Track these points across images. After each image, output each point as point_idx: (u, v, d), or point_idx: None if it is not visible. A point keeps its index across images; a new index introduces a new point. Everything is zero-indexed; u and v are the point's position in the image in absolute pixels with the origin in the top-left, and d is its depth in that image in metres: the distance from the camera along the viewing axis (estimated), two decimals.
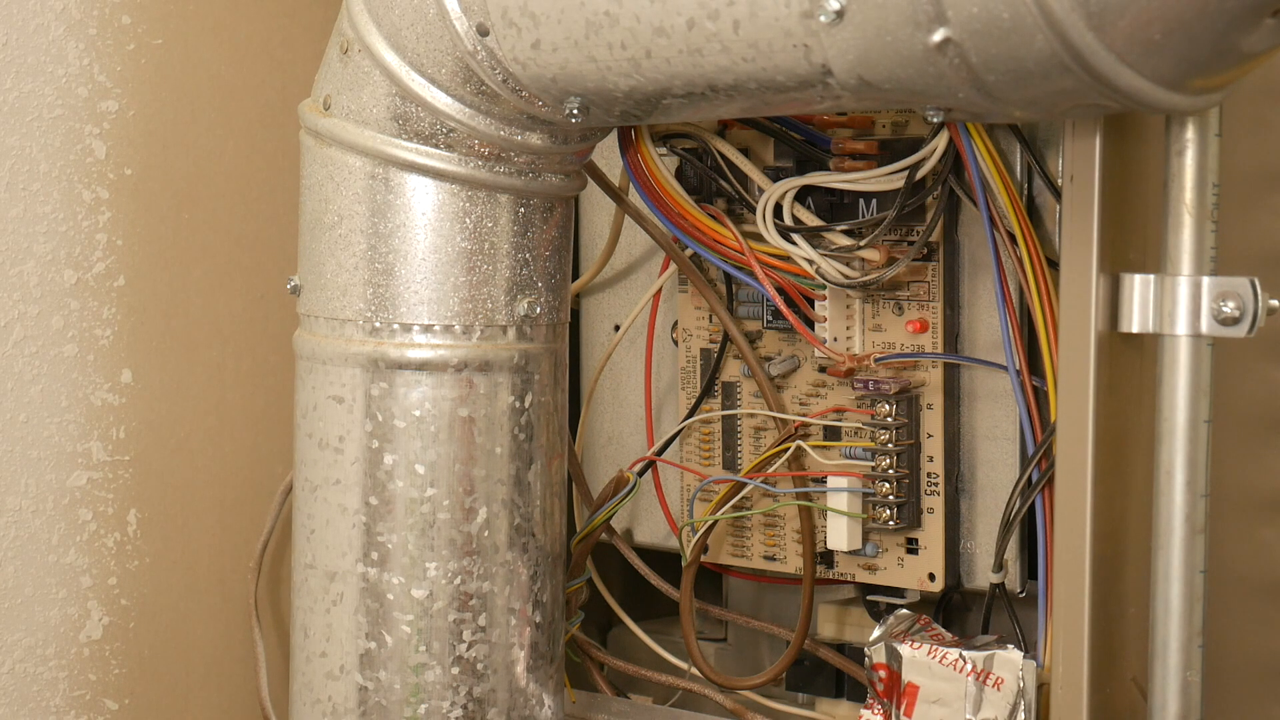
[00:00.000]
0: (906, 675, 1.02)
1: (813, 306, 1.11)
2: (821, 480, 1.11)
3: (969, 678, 1.01)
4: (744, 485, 1.14)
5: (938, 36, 0.81)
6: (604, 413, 1.27)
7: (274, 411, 1.25)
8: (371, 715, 1.03)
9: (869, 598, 1.14)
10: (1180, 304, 0.88)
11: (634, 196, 1.13)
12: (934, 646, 1.02)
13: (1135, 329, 0.91)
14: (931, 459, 1.09)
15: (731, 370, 1.17)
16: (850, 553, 1.12)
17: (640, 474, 1.17)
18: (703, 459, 1.18)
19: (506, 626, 1.03)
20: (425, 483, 1.01)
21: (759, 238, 1.09)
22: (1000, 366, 1.06)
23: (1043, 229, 1.04)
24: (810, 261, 1.07)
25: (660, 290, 1.20)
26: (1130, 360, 0.94)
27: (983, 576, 1.08)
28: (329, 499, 1.03)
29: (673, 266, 1.17)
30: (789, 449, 1.12)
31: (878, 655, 1.04)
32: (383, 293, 1.01)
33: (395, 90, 0.99)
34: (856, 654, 1.14)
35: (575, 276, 1.25)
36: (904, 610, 1.08)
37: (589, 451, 1.28)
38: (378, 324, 1.01)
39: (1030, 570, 1.07)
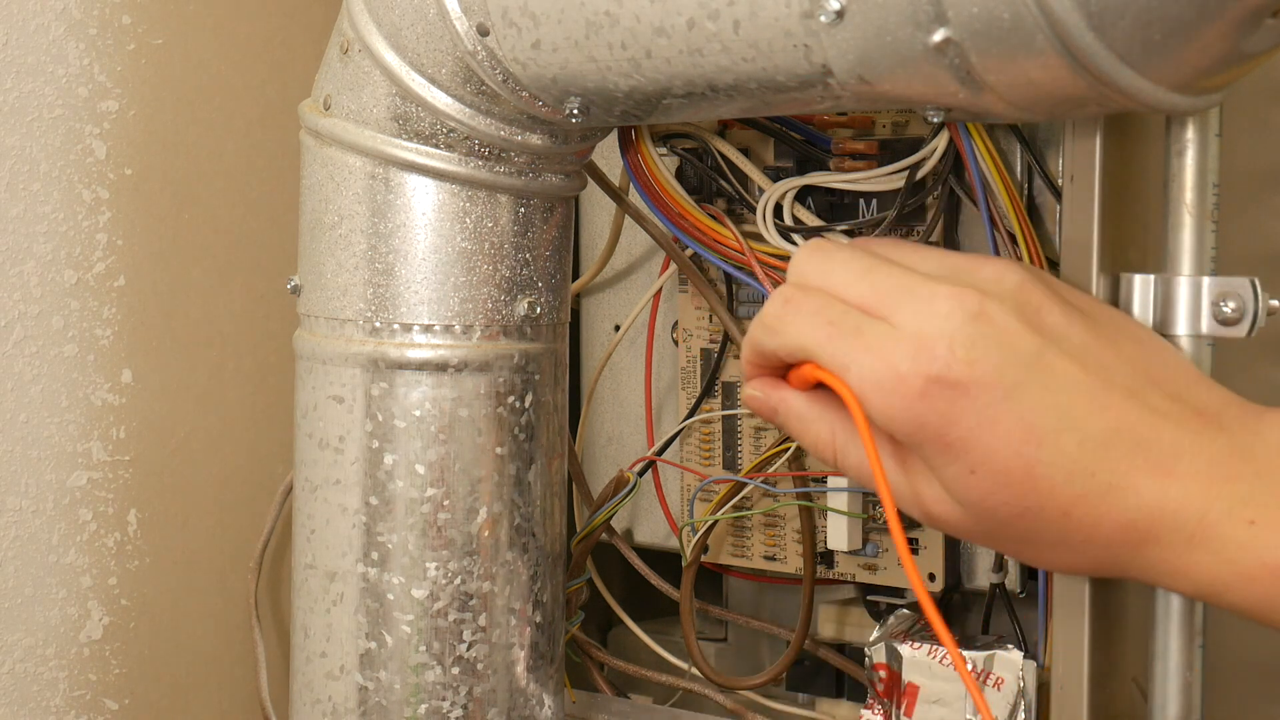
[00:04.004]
0: (907, 675, 1.02)
1: None
2: (822, 480, 1.11)
3: None
4: (744, 485, 1.14)
5: (938, 36, 0.81)
6: (604, 413, 1.27)
7: (274, 411, 1.25)
8: (371, 715, 1.03)
9: (869, 598, 1.14)
10: (1180, 304, 0.88)
11: (634, 196, 1.13)
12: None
13: None
14: None
15: (732, 370, 1.17)
16: (850, 553, 1.12)
17: (640, 474, 1.17)
18: (703, 459, 1.18)
19: (507, 626, 1.03)
20: (425, 483, 1.01)
21: (759, 238, 1.08)
22: None
23: (1043, 229, 1.04)
24: None
25: (660, 290, 1.20)
26: None
27: (983, 576, 1.08)
28: (329, 499, 1.03)
29: (673, 266, 1.17)
30: (789, 449, 1.11)
31: (878, 655, 1.04)
32: (383, 293, 1.01)
33: (395, 90, 0.99)
34: (856, 654, 1.14)
35: (575, 276, 1.25)
36: (904, 610, 1.08)
37: (589, 451, 1.27)
38: (378, 324, 1.01)
39: (1030, 570, 1.07)
